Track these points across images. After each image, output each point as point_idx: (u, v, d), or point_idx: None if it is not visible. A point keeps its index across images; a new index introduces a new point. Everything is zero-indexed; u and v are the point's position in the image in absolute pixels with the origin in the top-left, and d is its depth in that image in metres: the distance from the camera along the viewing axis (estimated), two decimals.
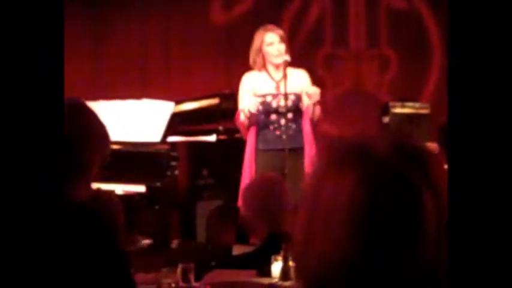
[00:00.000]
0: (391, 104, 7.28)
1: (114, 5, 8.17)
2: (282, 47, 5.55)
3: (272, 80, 5.56)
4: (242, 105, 5.58)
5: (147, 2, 8.13)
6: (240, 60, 7.91)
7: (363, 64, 7.94)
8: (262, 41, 5.58)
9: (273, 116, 5.57)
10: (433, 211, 1.17)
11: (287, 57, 5.52)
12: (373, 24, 7.98)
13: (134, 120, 6.09)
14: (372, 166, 1.19)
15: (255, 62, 5.62)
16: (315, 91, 5.45)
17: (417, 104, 7.32)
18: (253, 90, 5.63)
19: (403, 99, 7.38)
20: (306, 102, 5.55)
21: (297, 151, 5.49)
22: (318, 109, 5.54)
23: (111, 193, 3.68)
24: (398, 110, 7.21)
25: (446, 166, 2.04)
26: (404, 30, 7.92)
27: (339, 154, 1.24)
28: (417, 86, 7.86)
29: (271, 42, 5.56)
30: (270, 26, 5.74)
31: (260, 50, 5.59)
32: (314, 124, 5.61)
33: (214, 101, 6.36)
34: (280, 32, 5.60)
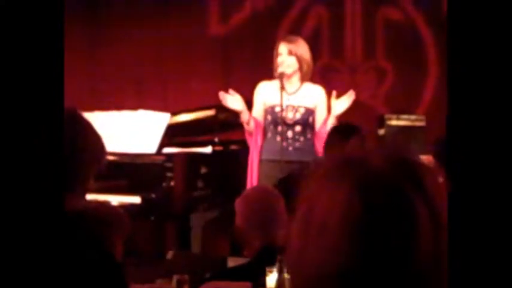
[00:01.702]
0: (386, 116, 7.30)
1: (110, 15, 8.18)
2: (290, 60, 5.57)
3: (284, 91, 5.57)
4: (252, 114, 5.66)
5: (144, 12, 8.14)
6: (236, 71, 7.94)
7: (359, 76, 7.96)
8: (276, 50, 5.63)
9: (280, 127, 5.59)
10: (427, 221, 1.18)
11: (282, 70, 5.55)
12: (369, 36, 8.00)
13: (130, 131, 6.09)
14: (366, 177, 1.20)
15: (274, 70, 5.66)
16: (343, 102, 5.51)
17: (413, 117, 7.33)
18: (264, 100, 5.67)
19: (398, 111, 7.39)
20: (322, 116, 5.59)
21: (303, 164, 5.49)
22: (336, 123, 5.57)
23: (111, 205, 3.66)
24: (393, 122, 7.22)
25: (441, 178, 2.04)
26: (401, 42, 7.93)
27: (334, 165, 1.25)
28: (413, 98, 7.87)
29: (280, 53, 5.60)
30: (289, 37, 5.80)
31: (275, 59, 5.63)
32: None
33: (210, 112, 6.36)
34: (292, 45, 5.60)
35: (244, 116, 5.60)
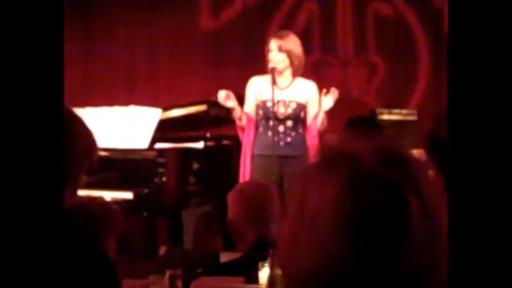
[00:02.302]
0: (378, 110, 7.30)
1: (101, 11, 8.17)
2: (280, 56, 5.58)
3: (276, 87, 5.59)
4: (244, 109, 5.67)
5: (135, 8, 8.13)
6: (227, 66, 7.94)
7: (351, 71, 7.97)
8: (268, 46, 5.64)
9: (272, 122, 5.60)
10: (418, 212, 1.18)
11: (273, 65, 5.56)
12: (360, 31, 8.01)
13: (122, 127, 6.08)
14: (354, 170, 1.20)
15: (266, 65, 5.66)
16: (329, 98, 5.51)
17: (404, 111, 7.34)
18: (256, 95, 5.68)
19: (390, 106, 7.40)
20: (314, 111, 5.60)
21: (295, 158, 5.50)
22: (325, 118, 5.59)
23: (105, 201, 3.66)
24: (385, 117, 7.23)
25: (432, 172, 2.04)
26: (392, 37, 7.94)
27: (323, 160, 1.25)
28: (404, 92, 7.88)
29: (271, 49, 5.62)
30: (280, 33, 5.81)
31: (267, 54, 5.64)
32: (321, 134, 5.64)
33: (201, 107, 6.37)
34: (282, 41, 5.60)
35: (237, 112, 5.61)
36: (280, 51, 5.59)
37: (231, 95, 5.59)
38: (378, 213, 1.17)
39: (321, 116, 5.57)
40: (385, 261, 1.16)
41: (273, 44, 5.61)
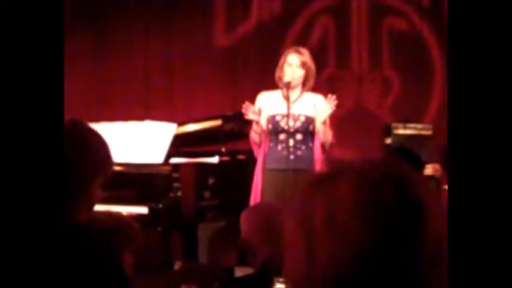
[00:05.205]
0: (393, 125, 7.30)
1: (117, 26, 8.21)
2: (300, 72, 5.58)
3: (285, 100, 5.58)
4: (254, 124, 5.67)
5: (150, 23, 8.16)
6: (242, 81, 7.95)
7: (365, 85, 7.96)
8: (285, 59, 5.63)
9: (282, 136, 5.60)
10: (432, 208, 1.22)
11: (288, 79, 5.56)
12: (375, 46, 8.01)
13: (137, 141, 6.09)
14: (363, 171, 1.23)
15: (279, 78, 5.66)
16: (325, 107, 5.49)
17: (419, 125, 7.33)
18: (265, 110, 5.68)
19: (405, 120, 7.39)
20: (317, 124, 5.60)
21: (304, 172, 5.48)
22: (329, 133, 5.57)
23: (122, 215, 3.64)
24: (400, 131, 7.22)
25: (446, 187, 2.06)
26: (407, 51, 7.94)
27: (329, 172, 1.27)
28: (419, 107, 7.87)
29: (290, 64, 5.61)
30: (300, 48, 5.78)
31: (282, 68, 5.63)
32: (326, 149, 5.62)
33: (216, 122, 6.37)
34: (304, 58, 5.61)
35: (259, 127, 5.61)
36: (302, 67, 5.59)
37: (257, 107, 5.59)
38: (394, 200, 1.19)
39: (321, 127, 5.55)
40: (405, 243, 1.19)
41: (295, 59, 5.60)
